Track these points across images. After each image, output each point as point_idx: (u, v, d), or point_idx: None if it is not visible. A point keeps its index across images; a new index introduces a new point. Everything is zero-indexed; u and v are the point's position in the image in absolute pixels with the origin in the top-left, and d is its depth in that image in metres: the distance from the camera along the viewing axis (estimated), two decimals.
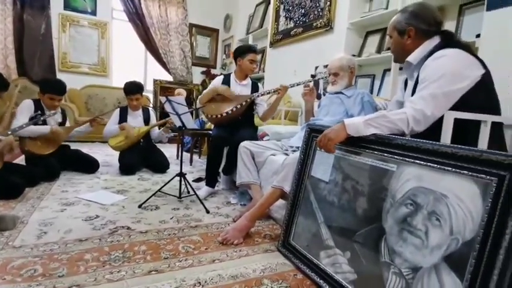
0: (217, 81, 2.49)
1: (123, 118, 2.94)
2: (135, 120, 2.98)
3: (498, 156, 0.77)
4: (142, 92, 3.01)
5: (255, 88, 2.47)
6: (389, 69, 2.57)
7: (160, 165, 2.93)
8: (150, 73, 5.56)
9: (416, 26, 1.26)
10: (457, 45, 1.17)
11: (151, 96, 5.25)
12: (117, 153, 2.93)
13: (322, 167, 1.34)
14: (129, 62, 5.47)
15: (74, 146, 2.88)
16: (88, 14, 4.94)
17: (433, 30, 1.25)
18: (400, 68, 2.42)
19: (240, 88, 2.44)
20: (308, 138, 1.46)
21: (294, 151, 1.95)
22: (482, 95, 1.11)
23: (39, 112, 2.32)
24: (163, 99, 1.96)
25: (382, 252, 1.00)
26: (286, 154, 1.97)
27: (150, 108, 3.19)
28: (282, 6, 3.86)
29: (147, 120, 3.04)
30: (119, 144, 2.81)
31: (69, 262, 1.21)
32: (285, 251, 1.39)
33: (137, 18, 5.10)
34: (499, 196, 0.75)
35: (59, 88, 2.53)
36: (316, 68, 3.25)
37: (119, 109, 3.00)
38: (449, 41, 1.22)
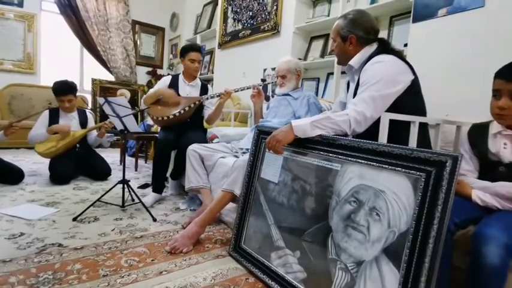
0: (164, 82, 2.37)
1: (53, 121, 2.61)
2: (69, 124, 2.66)
3: (426, 153, 0.85)
4: (76, 93, 2.71)
5: (204, 89, 2.41)
6: (332, 73, 2.72)
7: (100, 172, 2.69)
8: (87, 72, 5.08)
9: (357, 34, 1.36)
10: (391, 52, 1.29)
11: (89, 97, 4.82)
12: (47, 161, 2.61)
13: (272, 168, 1.35)
14: (62, 58, 4.94)
15: None
16: (14, 5, 4.34)
17: (371, 38, 1.37)
18: (343, 72, 2.58)
19: (189, 89, 2.36)
20: (257, 140, 1.46)
21: (244, 153, 1.94)
22: (412, 99, 1.24)
23: None
24: (101, 100, 1.79)
25: (329, 249, 1.04)
26: (236, 156, 1.95)
27: (87, 110, 2.90)
28: (230, 8, 3.85)
29: (84, 123, 2.75)
30: (49, 150, 2.49)
31: None
32: (237, 255, 1.37)
33: (70, 11, 4.63)
34: (427, 190, 0.83)
35: None
36: (265, 70, 3.30)
37: (48, 111, 2.66)
38: (385, 48, 1.34)
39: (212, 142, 2.33)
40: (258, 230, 1.34)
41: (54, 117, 2.63)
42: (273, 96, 3.13)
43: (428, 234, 0.79)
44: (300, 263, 1.12)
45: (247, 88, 2.24)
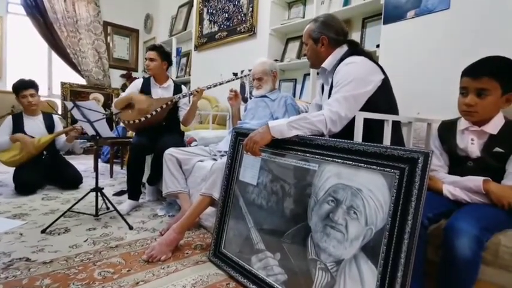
0: (135, 86, 2.29)
1: (18, 127, 2.45)
2: (35, 128, 2.51)
3: (399, 151, 0.87)
4: (38, 90, 2.55)
5: (177, 91, 2.34)
6: (309, 74, 2.75)
7: (70, 180, 2.55)
8: (57, 75, 4.84)
9: (328, 35, 1.39)
10: (362, 53, 1.33)
11: (58, 102, 4.59)
12: (12, 169, 2.45)
13: (250, 170, 1.33)
14: (30, 62, 4.67)
15: None
16: None
17: (341, 39, 1.41)
18: (318, 73, 2.62)
19: (161, 91, 2.29)
20: (235, 142, 1.44)
21: (223, 156, 1.91)
22: (384, 98, 1.28)
23: None
24: (69, 104, 1.70)
25: (309, 249, 1.04)
26: (215, 159, 1.92)
27: (54, 114, 2.75)
28: (205, 10, 3.81)
29: (50, 128, 2.59)
30: (13, 158, 2.34)
31: None
32: (217, 260, 1.34)
33: (37, 12, 4.41)
34: (401, 187, 0.84)
35: None
36: (242, 71, 3.28)
37: (11, 116, 2.49)
38: (356, 49, 1.38)
39: (190, 145, 2.29)
40: (238, 234, 1.32)
41: (18, 123, 2.47)
42: (250, 98, 3.12)
43: (404, 230, 0.80)
44: (281, 264, 1.12)
45: (220, 84, 2.20)
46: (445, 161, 1.18)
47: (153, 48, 2.26)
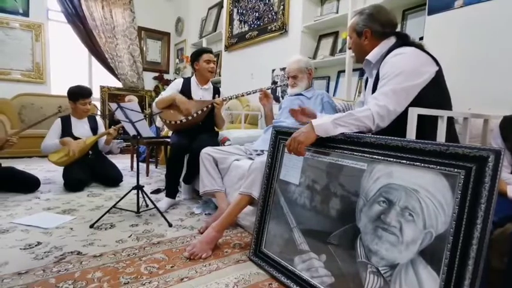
0: (176, 86, 2.34)
1: (66, 129, 2.62)
2: (82, 130, 2.68)
3: (464, 149, 0.80)
4: None
5: (216, 93, 2.39)
6: (343, 71, 2.67)
7: (112, 178, 2.67)
8: (96, 79, 5.12)
9: (372, 28, 1.31)
10: (412, 44, 1.23)
11: (98, 104, 4.85)
12: (60, 168, 2.61)
13: (292, 169, 1.31)
14: (71, 67, 4.98)
15: (6, 163, 2.50)
16: (19, 15, 4.39)
17: (388, 31, 1.32)
18: (354, 70, 2.53)
19: (202, 92, 2.34)
20: (275, 141, 1.42)
21: (259, 155, 1.91)
22: (436, 91, 1.18)
23: None
24: (113, 105, 1.78)
25: (358, 252, 1.00)
26: (251, 158, 1.92)
27: (97, 116, 2.91)
28: (235, 10, 3.84)
29: (94, 129, 2.76)
30: (62, 159, 2.50)
31: None
32: (258, 260, 1.33)
33: (78, 20, 4.67)
34: (467, 188, 0.77)
35: None
36: (273, 70, 3.27)
37: (59, 119, 2.67)
38: (404, 41, 1.28)
39: (224, 145, 2.31)
40: (278, 234, 1.30)
41: (66, 125, 2.64)
42: (282, 98, 3.09)
43: (472, 235, 0.74)
44: (326, 266, 1.08)
45: (260, 91, 2.19)
46: (509, 160, 1.09)
47: (211, 51, 2.37)
